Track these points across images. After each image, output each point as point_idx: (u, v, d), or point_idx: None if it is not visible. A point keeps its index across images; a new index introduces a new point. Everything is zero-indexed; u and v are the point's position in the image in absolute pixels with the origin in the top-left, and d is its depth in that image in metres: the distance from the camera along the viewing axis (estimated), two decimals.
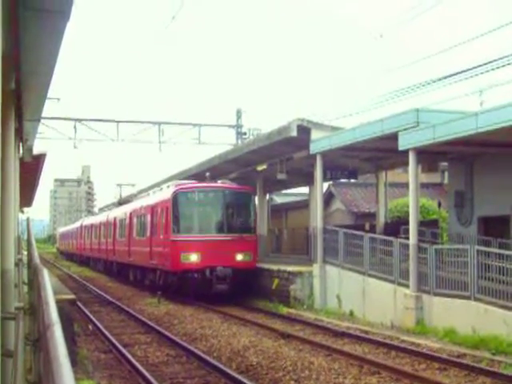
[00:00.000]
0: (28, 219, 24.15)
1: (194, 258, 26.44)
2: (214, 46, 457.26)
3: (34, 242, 14.82)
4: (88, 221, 63.82)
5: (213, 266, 26.15)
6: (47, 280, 5.48)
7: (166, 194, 29.51)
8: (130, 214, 37.56)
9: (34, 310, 5.98)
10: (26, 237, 22.13)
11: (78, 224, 73.96)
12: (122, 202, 49.27)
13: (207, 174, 29.77)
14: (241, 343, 16.79)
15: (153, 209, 31.24)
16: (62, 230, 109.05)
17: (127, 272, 38.59)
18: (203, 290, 26.45)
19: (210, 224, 27.97)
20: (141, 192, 47.42)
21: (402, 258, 21.24)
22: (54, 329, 3.20)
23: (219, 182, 29.46)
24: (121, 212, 42.56)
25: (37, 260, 9.93)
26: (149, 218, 31.97)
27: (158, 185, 41.72)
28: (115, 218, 43.73)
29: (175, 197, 27.61)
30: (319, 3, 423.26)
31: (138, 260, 34.30)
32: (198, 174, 35.56)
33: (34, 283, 7.32)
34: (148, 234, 31.95)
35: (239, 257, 26.96)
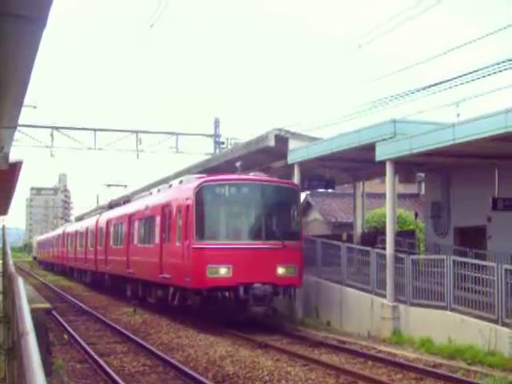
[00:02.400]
0: (3, 227, 23.89)
1: (224, 271, 20.73)
2: (191, 55, 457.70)
3: (9, 251, 14.68)
4: (72, 227, 57.05)
5: (248, 283, 20.62)
6: (22, 288, 5.42)
7: (184, 189, 23.50)
8: (129, 216, 31.56)
9: (8, 318, 5.91)
10: (0, 245, 21.92)
11: (59, 231, 67.22)
12: (113, 205, 42.17)
13: (238, 163, 24.29)
14: (217, 353, 16.73)
15: (164, 209, 25.19)
16: (40, 237, 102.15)
17: (123, 286, 32.65)
18: (235, 314, 21.14)
19: (244, 228, 22.14)
20: (136, 192, 42.49)
21: (379, 268, 21.31)
22: (28, 338, 3.17)
23: (251, 174, 23.63)
24: (115, 215, 36.42)
25: (12, 268, 9.84)
26: (158, 220, 25.88)
27: (156, 184, 37.31)
28: (108, 223, 37.48)
29: (200, 192, 21.58)
30: (293, 14, 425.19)
31: (142, 273, 28.32)
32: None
33: (9, 292, 7.25)
34: (157, 240, 25.86)
35: (281, 270, 21.33)
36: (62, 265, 59.58)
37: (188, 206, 21.84)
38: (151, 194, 30.53)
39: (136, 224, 30.32)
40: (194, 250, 21.10)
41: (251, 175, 23.14)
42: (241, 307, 20.76)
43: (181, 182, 25.68)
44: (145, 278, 27.71)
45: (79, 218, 66.32)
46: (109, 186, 54.82)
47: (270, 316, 21.83)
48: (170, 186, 27.32)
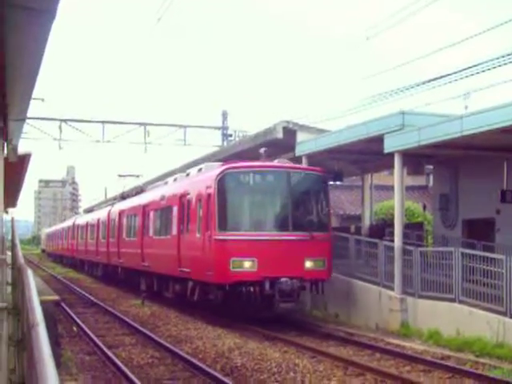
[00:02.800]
0: (12, 220, 23.97)
1: (248, 264, 19.55)
2: (199, 48, 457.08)
3: (18, 243, 14.74)
4: (83, 218, 55.22)
5: (274, 277, 19.46)
6: (31, 280, 5.45)
7: (205, 177, 22.04)
8: (144, 207, 30.26)
9: (18, 310, 5.95)
10: (10, 237, 22.00)
11: (69, 222, 65.47)
12: (126, 196, 40.82)
13: (262, 149, 22.99)
14: (226, 345, 16.76)
15: (182, 198, 23.90)
16: (49, 229, 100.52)
17: (137, 280, 31.50)
18: (260, 310, 20.21)
19: (269, 218, 21.01)
20: (149, 183, 40.73)
21: (387, 261, 21.29)
22: (38, 329, 3.18)
23: (276, 161, 22.34)
24: (128, 206, 34.94)
25: (21, 260, 9.88)
26: (175, 211, 24.60)
27: (169, 174, 35.91)
28: (120, 214, 36.13)
29: (222, 180, 20.33)
30: (294, 13, 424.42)
31: (158, 266, 27.09)
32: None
33: (18, 283, 7.28)
34: (174, 232, 24.50)
35: (309, 264, 20.18)
36: (72, 257, 58.41)
37: (209, 195, 20.55)
38: (166, 183, 29.36)
39: (151, 215, 29.05)
40: (216, 242, 19.87)
41: (276, 162, 22.04)
42: (266, 303, 19.65)
43: (200, 170, 24.17)
44: (161, 271, 26.50)
45: (89, 210, 64.77)
46: (121, 176, 51.39)
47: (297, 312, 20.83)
48: (188, 174, 25.93)
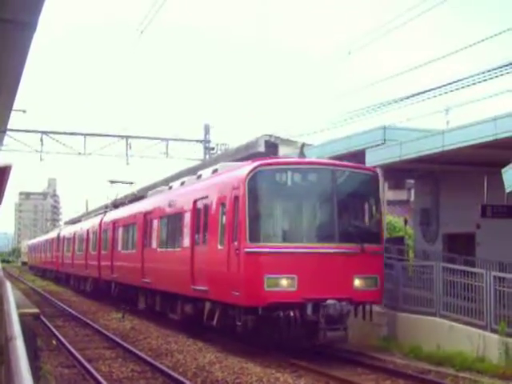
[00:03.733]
0: None
1: (286, 283, 16.11)
2: (182, 61, 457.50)
3: None
4: (69, 229, 51.75)
5: (319, 299, 16.06)
6: (10, 293, 5.40)
7: (229, 177, 18.36)
8: (145, 215, 26.64)
9: None
10: None
11: (53, 234, 62.26)
12: (119, 203, 38.79)
13: (301, 143, 20.33)
14: (206, 358, 16.68)
15: (197, 203, 20.33)
16: (31, 241, 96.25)
17: (134, 297, 28.14)
18: (300, 340, 16.76)
19: (312, 226, 17.52)
20: (146, 189, 38.08)
21: None
22: (16, 342, 3.15)
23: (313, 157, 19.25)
24: (125, 214, 31.55)
25: (0, 273, 9.81)
26: (188, 218, 20.98)
27: (169, 180, 33.60)
28: (115, 224, 32.76)
29: (254, 179, 16.60)
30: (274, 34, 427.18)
31: (162, 283, 23.45)
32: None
33: None
34: (187, 242, 20.90)
35: (359, 283, 16.74)
36: (57, 271, 55.24)
37: (236, 198, 16.89)
38: (171, 188, 25.72)
39: (154, 224, 25.36)
40: (247, 256, 16.20)
41: (315, 158, 18.79)
42: (311, 332, 16.22)
43: (215, 170, 20.87)
44: (167, 289, 22.91)
45: (75, 221, 61.99)
46: (113, 182, 46.27)
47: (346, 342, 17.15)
48: (199, 176, 22.44)
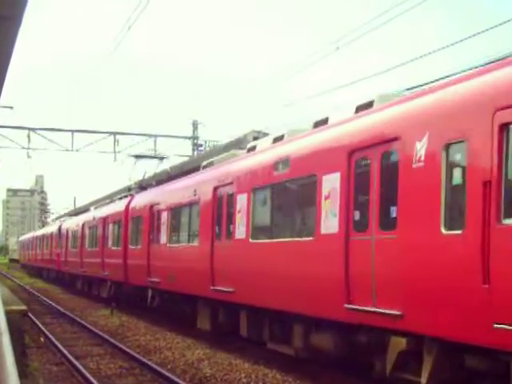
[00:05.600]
0: None
1: None
2: (170, 57, 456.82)
3: None
4: (74, 221, 44.44)
5: None
6: None
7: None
8: (216, 189, 18.17)
9: None
10: None
11: (52, 227, 54.75)
12: (146, 186, 31.02)
13: None
14: (195, 355, 16.67)
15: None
16: (24, 237, 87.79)
17: (194, 313, 20.53)
18: None
19: None
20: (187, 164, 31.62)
21: None
22: (1, 338, 3.12)
23: None
24: (173, 194, 22.80)
25: None
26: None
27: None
28: (152, 208, 24.42)
29: None
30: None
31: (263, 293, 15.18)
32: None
33: None
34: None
35: None
36: (58, 271, 48.12)
37: None
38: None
39: (242, 202, 16.43)
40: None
41: None
42: None
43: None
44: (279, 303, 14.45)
45: (78, 212, 55.62)
46: (138, 157, 39.37)
47: None
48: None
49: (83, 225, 38.47)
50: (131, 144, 43.37)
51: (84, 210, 53.88)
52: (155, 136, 44.12)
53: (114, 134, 43.19)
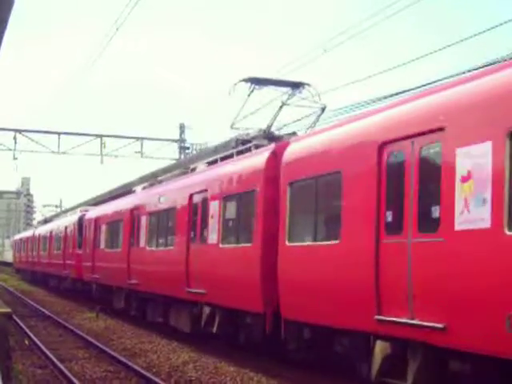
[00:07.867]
0: None
1: None
2: (156, 59, 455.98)
3: None
4: (89, 215, 33.78)
5: None
6: None
7: None
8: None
9: None
10: None
11: (61, 222, 44.37)
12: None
13: None
14: (180, 358, 16.65)
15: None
16: (19, 236, 75.54)
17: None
18: None
19: None
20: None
21: None
22: None
23: None
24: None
25: None
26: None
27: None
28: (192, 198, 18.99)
29: None
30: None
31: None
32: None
33: None
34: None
35: None
36: (77, 279, 35.58)
37: None
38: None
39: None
40: None
41: None
42: None
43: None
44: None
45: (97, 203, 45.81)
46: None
47: None
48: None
49: (95, 220, 30.21)
50: (118, 146, 43.35)
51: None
52: (142, 138, 44.09)
53: (101, 136, 43.14)
